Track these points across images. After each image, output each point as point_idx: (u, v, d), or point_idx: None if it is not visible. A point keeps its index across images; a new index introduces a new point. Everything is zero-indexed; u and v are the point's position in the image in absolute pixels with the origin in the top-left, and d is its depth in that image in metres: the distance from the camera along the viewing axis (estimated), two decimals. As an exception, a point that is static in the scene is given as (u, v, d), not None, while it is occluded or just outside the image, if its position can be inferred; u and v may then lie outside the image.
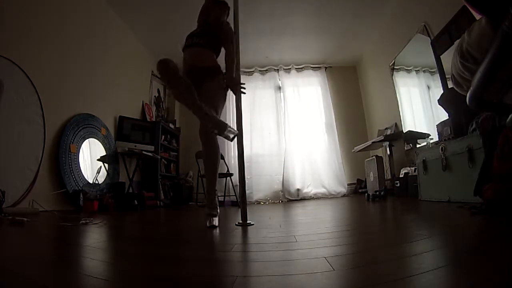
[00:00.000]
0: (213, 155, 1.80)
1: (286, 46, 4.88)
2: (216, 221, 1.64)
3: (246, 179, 1.84)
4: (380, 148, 4.25)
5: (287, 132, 5.18)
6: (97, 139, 3.36)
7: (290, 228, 1.49)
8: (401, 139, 3.55)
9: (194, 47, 1.90)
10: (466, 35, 1.29)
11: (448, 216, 1.61)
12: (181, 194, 4.63)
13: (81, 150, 3.08)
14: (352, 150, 4.55)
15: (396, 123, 4.13)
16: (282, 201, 4.63)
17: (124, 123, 3.77)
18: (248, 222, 1.65)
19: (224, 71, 1.94)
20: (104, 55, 3.65)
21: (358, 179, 5.02)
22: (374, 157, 3.58)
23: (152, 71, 4.97)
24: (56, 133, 2.80)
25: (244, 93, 1.89)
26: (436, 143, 2.74)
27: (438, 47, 3.04)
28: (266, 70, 5.43)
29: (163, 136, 4.57)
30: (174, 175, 4.87)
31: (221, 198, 4.75)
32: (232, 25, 1.99)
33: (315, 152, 5.09)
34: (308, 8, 3.95)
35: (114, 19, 3.89)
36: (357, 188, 4.97)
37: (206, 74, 1.85)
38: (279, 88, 5.43)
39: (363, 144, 4.20)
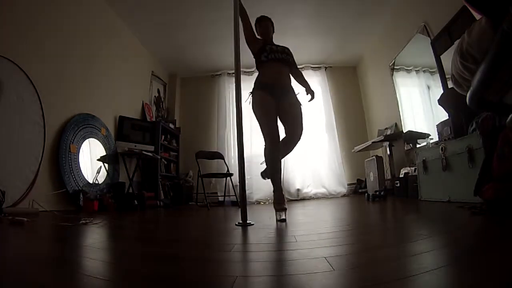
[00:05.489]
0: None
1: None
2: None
3: (246, 179, 1.84)
4: (380, 148, 4.25)
5: (287, 132, 5.17)
6: (97, 139, 3.36)
7: (290, 228, 1.48)
8: (401, 139, 3.55)
9: (280, 62, 2.09)
10: (466, 35, 1.29)
11: (448, 216, 1.61)
12: (181, 194, 4.63)
13: (81, 150, 3.08)
14: (352, 150, 4.55)
15: (396, 123, 4.13)
16: (282, 201, 4.62)
17: (124, 123, 3.77)
18: (248, 222, 1.65)
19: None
20: (104, 55, 3.65)
21: (358, 179, 5.02)
22: (374, 157, 3.58)
23: (152, 71, 4.98)
24: (56, 133, 2.80)
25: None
26: (436, 143, 2.74)
27: (438, 47, 3.04)
28: (266, 70, 5.43)
29: (163, 136, 4.57)
30: (174, 175, 4.88)
31: (221, 198, 4.76)
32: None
33: (315, 152, 5.09)
34: (308, 8, 3.95)
35: (115, 20, 3.90)
36: (357, 188, 4.97)
37: (289, 91, 2.09)
38: (279, 88, 5.43)
39: (363, 144, 4.20)
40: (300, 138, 2.03)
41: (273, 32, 2.29)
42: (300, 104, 2.09)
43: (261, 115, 1.99)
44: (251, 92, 2.09)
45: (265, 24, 2.23)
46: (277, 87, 2.03)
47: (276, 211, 1.81)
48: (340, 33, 4.56)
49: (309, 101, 2.24)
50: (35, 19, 2.61)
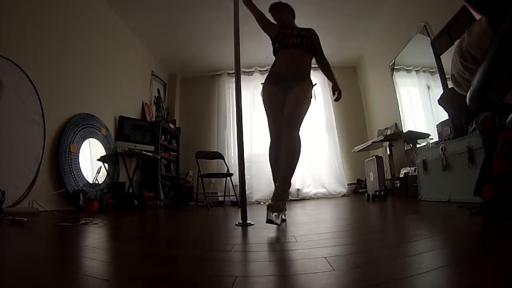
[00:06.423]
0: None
1: (286, 46, 4.87)
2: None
3: (246, 179, 1.84)
4: (380, 148, 4.25)
5: (287, 132, 5.17)
6: (97, 139, 3.36)
7: (290, 228, 1.48)
8: (401, 139, 3.55)
9: (294, 47, 1.84)
10: (466, 35, 1.29)
11: (448, 216, 1.61)
12: (181, 194, 4.63)
13: (81, 150, 3.08)
14: (352, 150, 4.55)
15: (396, 123, 4.13)
16: (282, 201, 4.62)
17: (124, 123, 3.77)
18: (248, 222, 1.65)
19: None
20: (104, 55, 3.65)
21: (358, 179, 5.02)
22: (374, 157, 3.58)
23: (152, 71, 4.98)
24: (56, 133, 2.80)
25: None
26: (436, 143, 2.74)
27: (438, 47, 3.04)
28: (266, 70, 5.41)
29: (163, 136, 4.57)
30: (174, 175, 4.87)
31: (221, 198, 4.76)
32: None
33: (315, 152, 5.09)
34: (308, 9, 3.95)
35: (114, 19, 3.90)
36: (357, 188, 4.97)
37: (300, 79, 1.80)
38: (279, 88, 5.42)
39: (363, 144, 4.20)
40: (293, 120, 1.67)
41: (293, 16, 2.06)
42: (310, 93, 1.79)
43: (266, 111, 1.85)
44: (262, 83, 1.93)
45: (278, 12, 2.04)
46: (286, 76, 1.79)
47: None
48: (340, 33, 4.56)
49: (335, 100, 2.01)
50: (35, 19, 2.61)
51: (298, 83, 1.77)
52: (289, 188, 1.64)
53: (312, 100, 1.82)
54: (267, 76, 1.91)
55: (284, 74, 1.81)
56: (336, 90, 1.99)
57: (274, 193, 1.58)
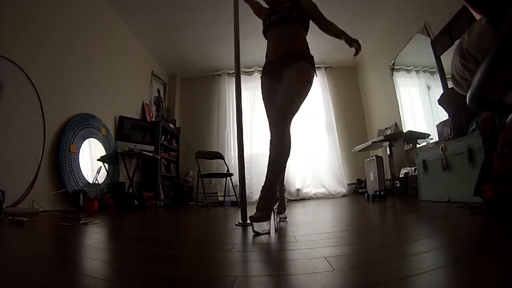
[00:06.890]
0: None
1: (286, 46, 4.87)
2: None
3: (246, 179, 1.84)
4: (380, 148, 4.25)
5: (287, 132, 5.17)
6: (97, 139, 3.36)
7: (290, 228, 1.48)
8: (401, 139, 3.56)
9: (280, 23, 1.63)
10: (466, 35, 1.29)
11: (448, 216, 1.61)
12: (181, 194, 4.63)
13: (81, 150, 3.08)
14: (352, 150, 4.55)
15: (396, 123, 4.13)
16: (282, 201, 4.62)
17: (124, 123, 3.77)
18: (248, 222, 1.64)
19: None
20: (104, 55, 3.65)
21: (358, 179, 5.02)
22: (374, 157, 3.58)
23: (152, 71, 4.98)
24: (56, 133, 2.80)
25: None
26: (436, 143, 2.74)
27: (438, 47, 3.04)
28: (266, 70, 5.44)
29: (163, 136, 4.58)
30: (174, 175, 4.88)
31: (221, 198, 4.76)
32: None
33: (315, 152, 5.09)
34: (308, 8, 3.95)
35: (114, 19, 3.90)
36: (357, 188, 4.97)
37: (293, 61, 1.58)
38: (279, 88, 5.41)
39: (363, 144, 4.20)
40: (281, 116, 1.52)
41: None
42: (303, 77, 1.57)
43: (264, 106, 1.75)
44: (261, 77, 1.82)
45: None
46: (276, 63, 1.64)
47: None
48: (340, 33, 4.55)
49: (354, 54, 1.71)
50: (35, 19, 2.61)
51: (288, 66, 1.58)
52: (275, 192, 1.43)
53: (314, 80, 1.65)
54: (262, 68, 1.79)
55: (274, 61, 1.66)
56: (353, 42, 1.65)
57: (258, 201, 1.40)
